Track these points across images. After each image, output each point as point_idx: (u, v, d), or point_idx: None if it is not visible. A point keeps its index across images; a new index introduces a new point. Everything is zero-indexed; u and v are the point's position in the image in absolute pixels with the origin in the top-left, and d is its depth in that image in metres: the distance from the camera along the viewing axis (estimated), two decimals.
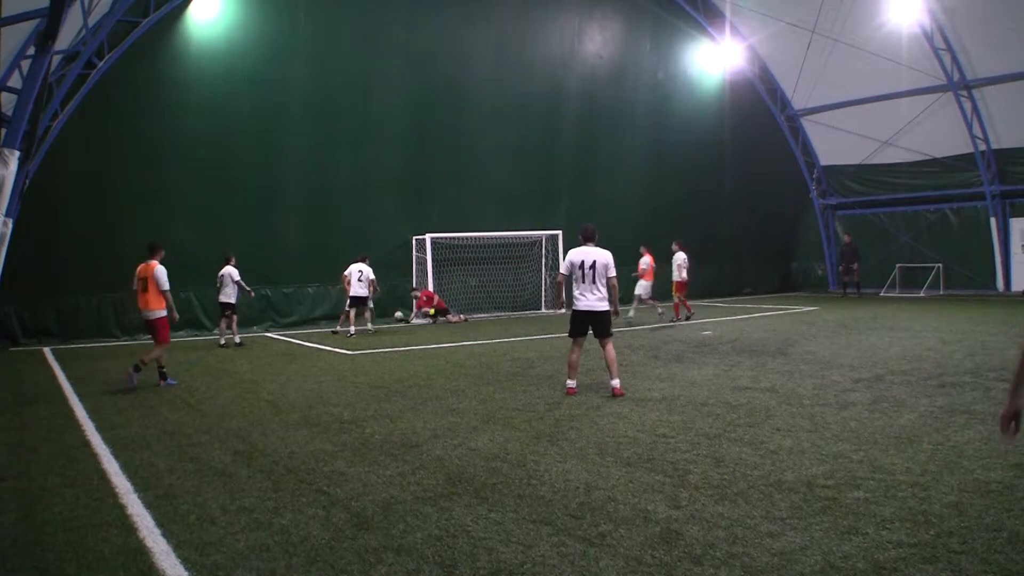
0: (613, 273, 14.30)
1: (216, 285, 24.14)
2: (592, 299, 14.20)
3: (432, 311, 30.49)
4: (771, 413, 11.84)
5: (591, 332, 14.43)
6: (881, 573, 6.02)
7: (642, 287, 27.64)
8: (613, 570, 6.28)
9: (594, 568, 6.33)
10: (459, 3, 32.94)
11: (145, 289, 16.64)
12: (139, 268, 16.93)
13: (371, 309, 27.36)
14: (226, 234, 26.88)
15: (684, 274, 28.29)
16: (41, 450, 10.98)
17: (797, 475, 8.60)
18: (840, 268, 41.87)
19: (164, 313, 16.72)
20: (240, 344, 24.12)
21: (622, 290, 21.39)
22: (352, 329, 26.22)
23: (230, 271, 23.91)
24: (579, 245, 14.64)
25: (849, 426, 10.85)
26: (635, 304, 27.99)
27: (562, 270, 14.71)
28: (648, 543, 6.79)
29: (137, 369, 16.33)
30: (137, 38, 25.65)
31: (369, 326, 27.16)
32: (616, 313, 14.51)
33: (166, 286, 16.68)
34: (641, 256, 27.43)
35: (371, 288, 26.41)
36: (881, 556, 6.31)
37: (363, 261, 26.46)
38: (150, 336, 17.48)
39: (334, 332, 27.12)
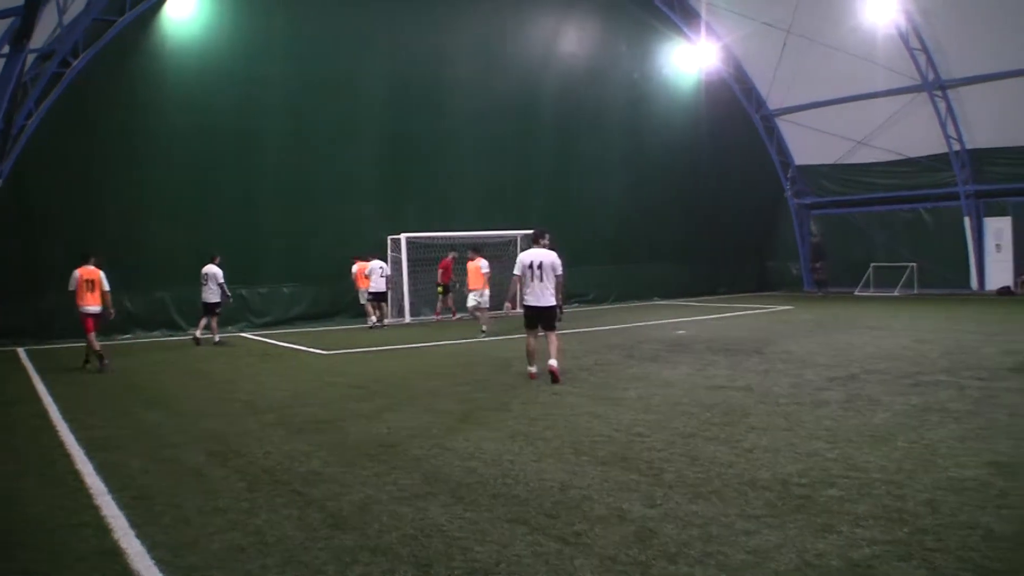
0: (560, 272, 15.79)
1: (201, 283, 24.49)
2: (541, 296, 15.69)
3: (440, 289, 30.87)
4: (746, 412, 11.85)
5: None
6: (856, 571, 6.03)
7: (484, 295, 25.54)
8: (588, 569, 6.26)
9: (569, 567, 6.31)
10: (437, 2, 32.98)
11: (92, 289, 19.37)
12: (83, 271, 19.46)
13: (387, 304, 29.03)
14: (202, 234, 26.89)
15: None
16: (16, 451, 10.95)
17: (772, 473, 8.61)
18: (813, 266, 42.48)
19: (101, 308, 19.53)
20: (219, 343, 24.29)
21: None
22: (385, 320, 28.46)
23: (215, 271, 24.33)
24: (529, 247, 16.33)
25: (824, 424, 10.88)
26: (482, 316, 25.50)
27: (515, 271, 16.06)
28: (623, 542, 6.78)
29: (103, 360, 19.19)
30: (112, 36, 25.62)
31: (384, 320, 28.61)
32: (562, 310, 15.67)
33: (108, 287, 19.57)
34: (471, 259, 26.16)
35: (389, 284, 28.31)
36: (856, 554, 6.32)
37: (378, 258, 28.34)
38: (87, 326, 19.39)
39: (372, 328, 28.20)
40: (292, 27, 29.49)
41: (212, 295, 24.39)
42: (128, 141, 26.40)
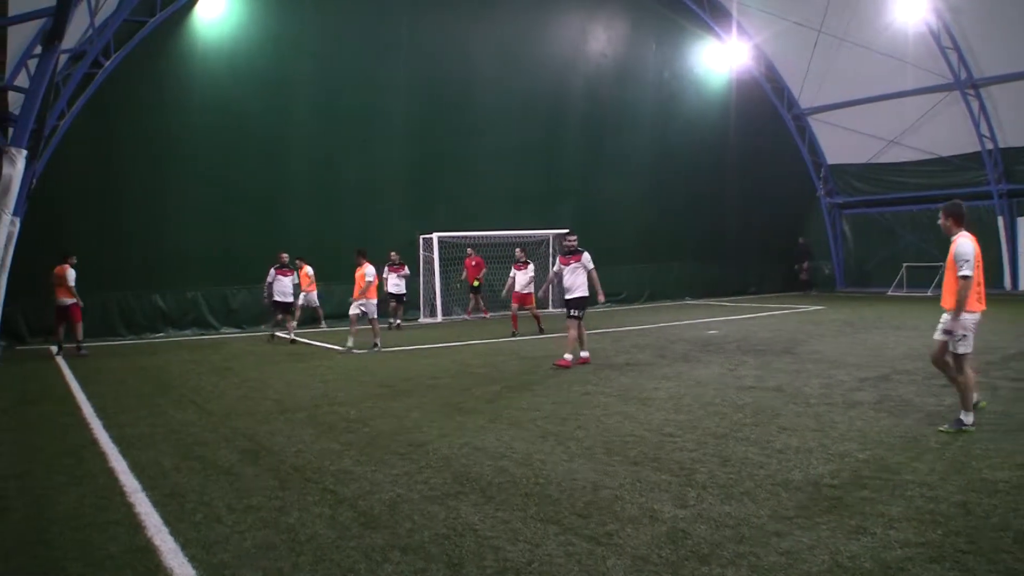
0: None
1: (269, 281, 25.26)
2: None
3: (476, 283, 30.78)
4: (777, 412, 11.82)
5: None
6: (888, 572, 6.02)
7: (368, 305, 22.46)
8: (620, 569, 6.28)
9: (601, 567, 6.33)
10: (464, 2, 33.03)
11: (60, 284, 22.26)
12: (57, 269, 22.39)
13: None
14: (230, 234, 27.06)
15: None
16: (47, 448, 11.01)
17: (804, 474, 8.60)
18: (796, 267, 43.28)
19: (73, 301, 22.51)
20: (291, 341, 24.57)
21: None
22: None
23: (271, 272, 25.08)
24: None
25: (856, 425, 10.84)
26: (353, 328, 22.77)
27: (591, 267, 17.82)
28: (655, 542, 6.79)
29: (80, 348, 22.46)
30: (143, 37, 25.81)
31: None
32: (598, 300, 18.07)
33: (71, 283, 22.38)
34: (363, 266, 22.46)
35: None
36: (888, 556, 6.31)
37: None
38: (61, 319, 22.75)
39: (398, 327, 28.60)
40: (320, 29, 29.69)
41: (286, 294, 25.29)
42: (156, 141, 26.68)
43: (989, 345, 18.62)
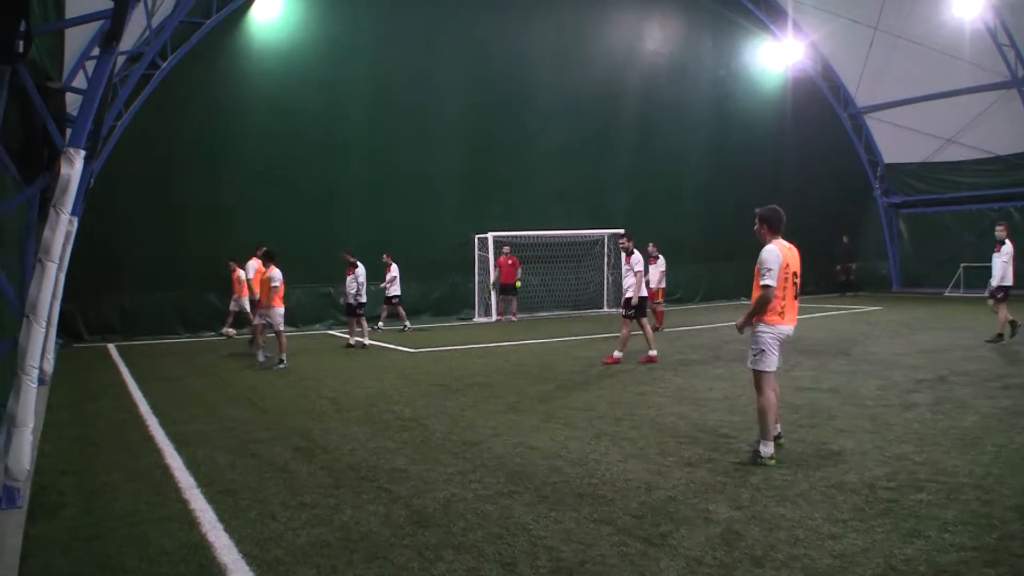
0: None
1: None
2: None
3: (518, 284, 30.85)
4: (833, 414, 11.75)
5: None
6: None
7: (273, 314, 20.03)
8: (673, 570, 6.28)
9: (654, 568, 6.34)
10: (519, 1, 32.99)
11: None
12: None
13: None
14: (286, 233, 27.11)
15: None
16: (104, 445, 11.16)
17: (859, 477, 8.55)
18: (837, 268, 41.95)
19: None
20: (365, 347, 23.40)
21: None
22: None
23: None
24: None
25: (912, 427, 10.76)
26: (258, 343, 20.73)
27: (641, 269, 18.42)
28: (709, 544, 6.79)
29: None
30: (199, 39, 25.98)
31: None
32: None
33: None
34: (269, 269, 20.22)
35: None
36: (943, 559, 6.27)
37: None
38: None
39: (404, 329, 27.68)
40: (375, 28, 29.76)
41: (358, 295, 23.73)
42: (213, 142, 26.94)
43: None
